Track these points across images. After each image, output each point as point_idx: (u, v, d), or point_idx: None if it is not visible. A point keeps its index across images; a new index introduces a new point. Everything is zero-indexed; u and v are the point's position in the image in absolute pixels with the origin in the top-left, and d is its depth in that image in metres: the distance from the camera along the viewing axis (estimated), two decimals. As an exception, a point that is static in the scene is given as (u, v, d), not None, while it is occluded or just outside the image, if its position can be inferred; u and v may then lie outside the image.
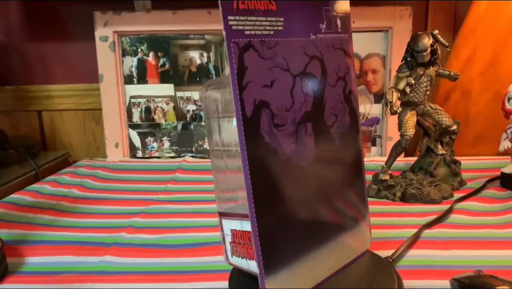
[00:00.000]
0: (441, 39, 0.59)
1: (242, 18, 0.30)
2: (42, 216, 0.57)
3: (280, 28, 0.32)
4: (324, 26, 0.35)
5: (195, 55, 0.83)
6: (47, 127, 0.93)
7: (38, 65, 0.91)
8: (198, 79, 0.83)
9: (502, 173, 0.64)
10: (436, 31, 0.60)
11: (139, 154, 0.86)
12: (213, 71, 0.83)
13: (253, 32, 0.31)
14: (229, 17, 0.29)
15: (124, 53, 0.83)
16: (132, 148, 0.86)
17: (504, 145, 0.62)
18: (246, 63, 0.30)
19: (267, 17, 0.31)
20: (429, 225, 0.50)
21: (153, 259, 0.45)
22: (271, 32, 0.32)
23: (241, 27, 0.30)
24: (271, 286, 0.31)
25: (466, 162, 0.69)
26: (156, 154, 0.86)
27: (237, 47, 0.30)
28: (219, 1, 0.29)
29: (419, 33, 0.60)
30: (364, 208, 0.40)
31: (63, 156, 0.87)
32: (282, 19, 0.32)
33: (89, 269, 0.43)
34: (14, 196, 0.63)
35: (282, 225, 0.32)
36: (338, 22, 0.37)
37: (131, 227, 0.53)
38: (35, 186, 0.68)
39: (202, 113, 0.85)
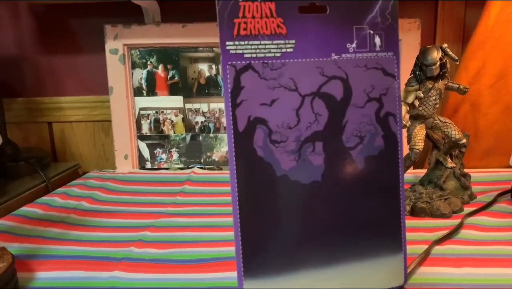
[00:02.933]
0: (450, 53, 0.59)
1: (242, 43, 0.32)
2: (53, 229, 0.57)
3: (289, 50, 0.33)
4: (354, 45, 0.35)
5: (204, 67, 0.83)
6: (57, 138, 0.94)
7: (49, 77, 0.92)
8: (207, 91, 0.84)
9: (513, 187, 0.63)
10: (445, 45, 0.60)
11: (148, 165, 0.86)
12: (222, 84, 0.84)
13: (254, 55, 0.32)
14: (227, 43, 0.32)
15: (134, 66, 0.84)
16: (141, 159, 0.86)
17: (515, 158, 0.62)
18: (242, 83, 0.32)
19: (274, 40, 0.32)
20: (440, 241, 0.50)
21: (163, 275, 0.45)
22: (278, 55, 0.33)
23: (240, 51, 0.32)
24: (248, 286, 0.33)
25: (476, 174, 0.69)
26: (165, 165, 0.86)
27: (234, 69, 0.32)
28: (218, 28, 0.30)
29: (428, 46, 0.60)
30: (398, 239, 0.38)
31: (73, 167, 0.88)
32: (293, 41, 0.33)
33: (99, 285, 0.44)
34: (25, 209, 0.64)
35: (269, 233, 0.34)
36: (378, 40, 0.36)
37: (140, 241, 0.53)
38: (45, 198, 0.69)
39: (210, 124, 0.85)
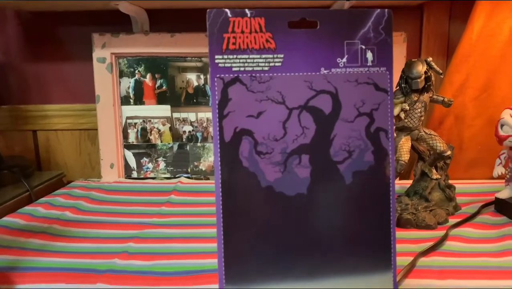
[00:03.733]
0: (435, 66, 0.60)
1: (231, 56, 0.33)
2: (34, 240, 0.56)
3: (278, 64, 0.33)
4: (344, 60, 0.35)
5: (192, 77, 0.83)
6: (42, 147, 0.93)
7: (35, 85, 0.91)
8: (195, 100, 0.84)
9: (497, 198, 0.64)
10: (430, 58, 0.61)
11: (134, 174, 0.85)
12: (210, 94, 0.84)
13: (242, 69, 0.33)
14: (216, 56, 0.33)
15: (122, 74, 0.83)
16: (127, 168, 0.85)
17: (498, 170, 0.63)
18: (230, 95, 0.33)
19: (262, 54, 0.33)
20: (425, 253, 0.50)
21: (147, 287, 0.45)
22: (266, 68, 0.33)
23: (228, 65, 0.33)
24: (229, 286, 0.35)
25: (460, 185, 0.70)
26: (152, 175, 0.85)
27: (222, 81, 0.33)
28: (207, 39, 0.32)
29: (413, 60, 0.61)
30: (387, 257, 0.37)
31: (58, 176, 0.87)
32: (282, 55, 0.33)
33: (81, 298, 0.43)
34: (6, 219, 0.63)
35: (252, 243, 0.35)
36: (370, 55, 0.36)
37: (125, 253, 0.52)
38: (27, 208, 0.68)
39: (198, 134, 0.85)
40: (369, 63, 0.36)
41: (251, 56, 0.33)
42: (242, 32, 0.32)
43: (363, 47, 0.35)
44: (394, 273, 0.38)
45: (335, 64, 0.35)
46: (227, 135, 0.34)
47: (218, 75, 0.33)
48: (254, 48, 0.33)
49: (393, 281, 0.38)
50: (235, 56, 0.33)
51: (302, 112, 0.34)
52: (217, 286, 0.41)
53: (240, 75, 0.33)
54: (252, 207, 0.34)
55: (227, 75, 0.33)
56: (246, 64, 0.33)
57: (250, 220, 0.34)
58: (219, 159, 0.34)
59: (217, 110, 0.33)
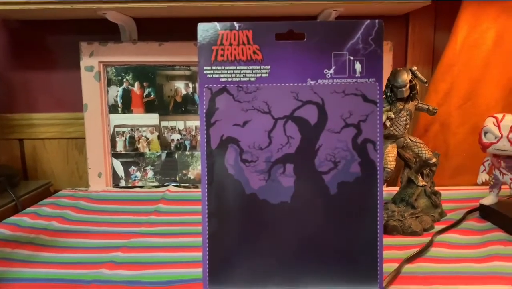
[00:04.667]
0: (420, 75, 0.62)
1: (219, 68, 0.34)
2: (20, 251, 0.55)
3: (264, 75, 0.34)
4: (331, 71, 0.35)
5: (180, 85, 0.83)
6: (28, 156, 0.92)
7: (22, 93, 0.90)
8: (183, 109, 0.84)
9: (481, 205, 0.65)
10: (415, 68, 0.62)
11: (122, 183, 0.85)
12: (198, 102, 0.84)
13: (229, 79, 0.35)
14: (205, 68, 0.34)
15: (109, 83, 0.83)
16: (115, 177, 0.85)
17: (482, 177, 0.64)
18: (217, 105, 0.34)
19: (249, 66, 0.34)
20: (410, 259, 0.51)
21: (134, 297, 0.44)
22: (253, 79, 0.34)
23: (216, 75, 0.34)
24: (212, 286, 0.36)
25: (446, 192, 0.71)
26: (140, 183, 0.85)
27: (210, 91, 0.34)
28: (195, 47, 0.33)
29: (398, 69, 0.62)
30: (373, 269, 0.37)
31: (45, 185, 0.86)
32: (268, 67, 0.34)
33: (67, 309, 0.42)
34: (-8, 229, 0.62)
35: (235, 249, 0.36)
36: (358, 66, 0.36)
37: (111, 262, 0.52)
38: (13, 218, 0.67)
39: (186, 142, 0.85)
40: (358, 74, 0.36)
41: (238, 67, 0.34)
42: (230, 44, 0.33)
43: (351, 58, 0.36)
44: (380, 281, 0.38)
45: (321, 75, 0.35)
46: (213, 143, 0.35)
47: (206, 85, 0.34)
48: (241, 60, 0.34)
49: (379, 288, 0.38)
50: (223, 67, 0.34)
51: (288, 122, 0.35)
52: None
53: (228, 85, 0.34)
54: (237, 214, 0.35)
55: (215, 85, 0.34)
56: (233, 75, 0.34)
57: (235, 227, 0.35)
58: (205, 166, 0.35)
59: (204, 119, 0.34)
